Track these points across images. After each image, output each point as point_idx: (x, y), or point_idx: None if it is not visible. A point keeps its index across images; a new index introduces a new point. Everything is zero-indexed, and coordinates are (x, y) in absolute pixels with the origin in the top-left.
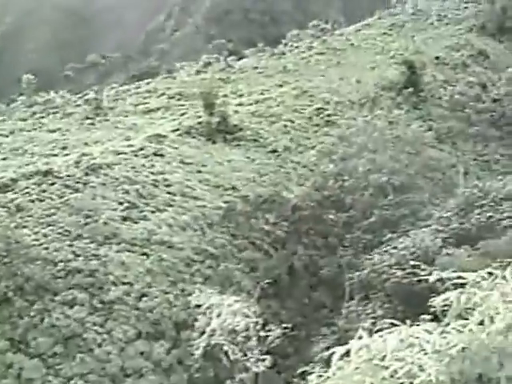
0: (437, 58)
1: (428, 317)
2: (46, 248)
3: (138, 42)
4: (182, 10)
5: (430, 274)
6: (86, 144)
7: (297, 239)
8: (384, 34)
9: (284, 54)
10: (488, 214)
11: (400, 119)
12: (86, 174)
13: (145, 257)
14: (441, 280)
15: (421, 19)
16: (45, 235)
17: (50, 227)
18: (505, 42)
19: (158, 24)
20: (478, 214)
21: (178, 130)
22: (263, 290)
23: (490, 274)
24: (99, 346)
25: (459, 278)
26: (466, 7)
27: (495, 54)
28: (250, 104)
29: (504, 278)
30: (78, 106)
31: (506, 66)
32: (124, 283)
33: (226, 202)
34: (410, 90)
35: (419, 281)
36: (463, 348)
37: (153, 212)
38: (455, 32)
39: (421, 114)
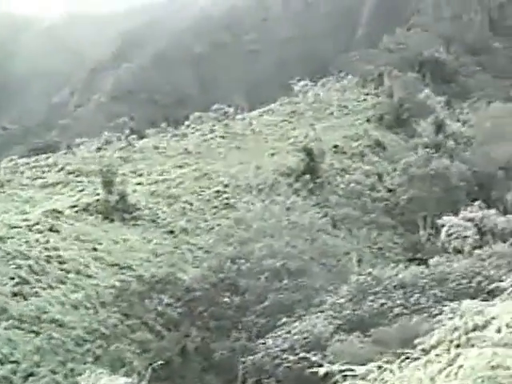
0: (335, 146)
1: None
2: None
3: (40, 116)
4: (86, 86)
5: (321, 359)
6: None
7: (190, 321)
8: (285, 120)
9: (186, 135)
10: (380, 302)
11: (297, 205)
12: None
13: (34, 334)
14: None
15: (321, 108)
16: None
17: None
18: (401, 134)
19: (61, 98)
20: (371, 301)
21: (75, 206)
22: (155, 372)
23: (380, 367)
24: None
25: (349, 370)
26: (365, 99)
27: (391, 144)
28: (149, 184)
29: (391, 371)
30: None
31: (401, 157)
32: (11, 361)
33: (120, 281)
34: (308, 176)
35: (310, 367)
36: None
37: (44, 289)
38: (354, 122)
39: (317, 201)
